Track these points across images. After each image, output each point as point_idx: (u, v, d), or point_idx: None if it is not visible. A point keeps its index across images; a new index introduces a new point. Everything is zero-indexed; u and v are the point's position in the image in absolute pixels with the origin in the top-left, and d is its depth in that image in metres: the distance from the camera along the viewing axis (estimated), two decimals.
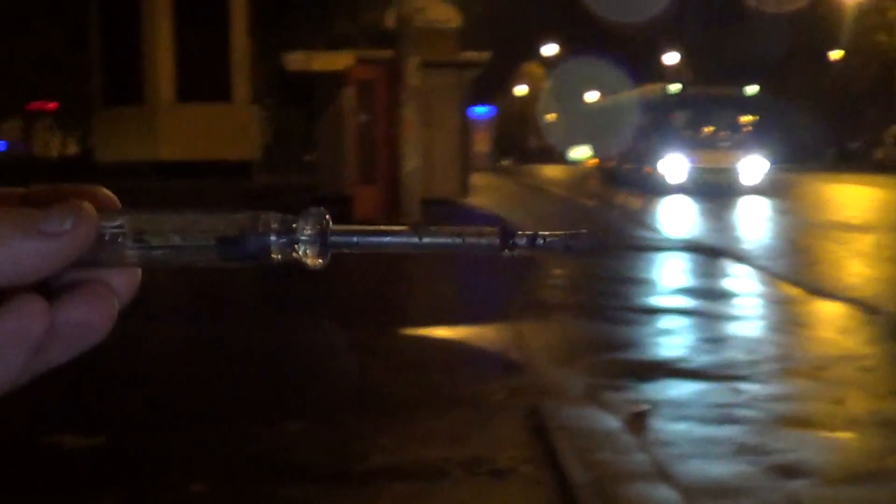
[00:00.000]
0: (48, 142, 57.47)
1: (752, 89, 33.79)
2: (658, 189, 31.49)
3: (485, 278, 11.06)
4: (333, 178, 22.63)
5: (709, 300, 10.70)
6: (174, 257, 0.59)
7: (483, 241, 0.59)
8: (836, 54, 67.10)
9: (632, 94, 41.78)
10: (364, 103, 19.36)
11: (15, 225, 0.55)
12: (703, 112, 33.68)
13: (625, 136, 39.21)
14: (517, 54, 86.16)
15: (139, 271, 0.61)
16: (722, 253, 14.53)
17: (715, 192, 30.27)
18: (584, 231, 0.60)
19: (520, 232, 0.59)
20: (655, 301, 10.68)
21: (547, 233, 0.60)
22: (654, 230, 19.01)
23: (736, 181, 31.91)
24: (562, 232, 0.60)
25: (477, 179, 24.64)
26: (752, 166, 32.42)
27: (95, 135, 35.12)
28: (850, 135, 67.88)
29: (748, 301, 10.96)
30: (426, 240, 0.59)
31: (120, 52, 31.71)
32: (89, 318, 0.58)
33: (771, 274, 12.55)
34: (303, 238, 0.59)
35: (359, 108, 19.51)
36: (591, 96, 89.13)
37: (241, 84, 32.46)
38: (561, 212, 25.07)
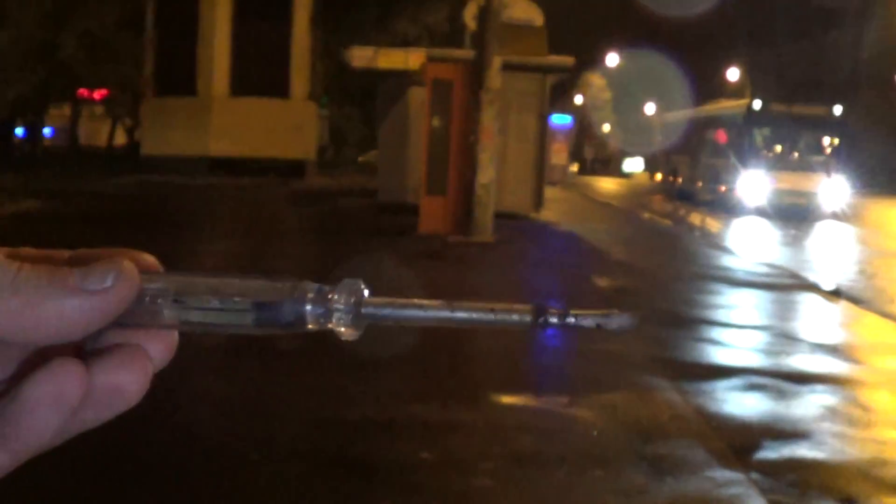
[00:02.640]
0: (96, 130, 56.42)
1: (838, 110, 31.67)
2: (735, 210, 29.78)
3: None
4: (395, 186, 21.07)
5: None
6: (211, 320, 0.60)
7: (515, 317, 0.59)
8: None
9: (705, 109, 39.72)
10: (438, 105, 17.60)
11: (58, 282, 0.56)
12: (786, 131, 31.62)
13: (696, 151, 37.43)
14: (578, 62, 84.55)
15: (175, 336, 0.61)
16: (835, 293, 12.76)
17: (795, 216, 28.81)
18: (616, 311, 0.59)
19: (552, 309, 0.59)
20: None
21: (579, 311, 0.59)
22: (744, 259, 17.12)
23: (818, 206, 30.21)
24: (594, 311, 0.60)
25: (547, 192, 22.84)
26: (835, 191, 30.66)
27: (143, 125, 33.86)
28: None
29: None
30: (459, 314, 0.60)
31: (175, 40, 30.51)
32: (125, 383, 0.58)
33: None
34: (338, 308, 0.59)
35: (431, 110, 17.75)
36: (650, 109, 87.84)
37: (300, 80, 31.26)
38: (638, 232, 23.26)
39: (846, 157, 32.46)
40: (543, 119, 21.24)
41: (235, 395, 6.66)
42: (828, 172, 30.98)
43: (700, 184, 36.06)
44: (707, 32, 75.63)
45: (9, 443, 0.56)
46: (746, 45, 71.99)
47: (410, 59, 20.74)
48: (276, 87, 30.72)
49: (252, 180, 27.62)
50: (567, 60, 21.31)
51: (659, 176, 47.46)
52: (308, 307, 0.59)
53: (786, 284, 13.80)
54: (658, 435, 6.05)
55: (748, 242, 21.90)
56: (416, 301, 0.60)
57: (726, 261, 16.66)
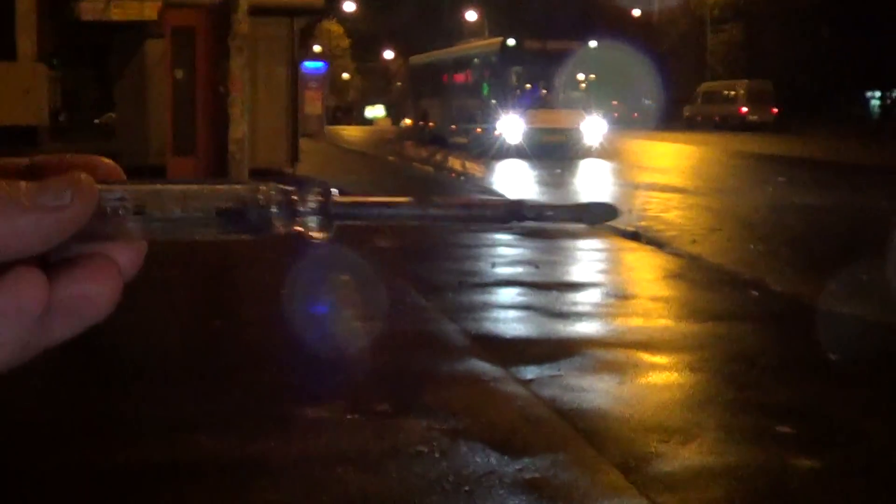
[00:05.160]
0: None
1: (593, 44, 31.08)
2: (492, 152, 28.90)
3: None
4: (137, 148, 19.03)
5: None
6: (174, 229, 0.58)
7: (489, 212, 0.58)
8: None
9: (456, 50, 38.61)
10: (180, 56, 15.90)
11: (10, 199, 0.53)
12: (541, 68, 30.79)
13: (448, 94, 36.45)
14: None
15: (144, 245, 0.60)
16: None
17: (555, 154, 28.47)
18: (594, 202, 0.59)
19: (529, 203, 0.58)
20: None
21: (557, 205, 0.58)
22: (497, 195, 16.10)
23: (577, 143, 29.77)
24: (572, 204, 0.59)
25: (302, 144, 21.37)
26: (593, 127, 30.25)
27: None
28: (655, 92, 67.66)
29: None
30: (432, 211, 0.58)
31: None
32: (93, 293, 0.56)
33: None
34: (305, 210, 0.58)
35: (173, 62, 16.02)
36: (389, 54, 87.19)
37: (26, 40, 28.79)
38: (402, 181, 22.00)
39: (603, 92, 32.07)
40: (295, 66, 19.68)
41: None
42: (585, 109, 30.49)
43: (454, 127, 35.14)
44: None
45: None
46: None
47: (146, 8, 18.80)
48: (0, 48, 28.24)
49: None
50: (317, 1, 19.79)
51: (408, 121, 46.26)
52: (273, 210, 0.57)
53: (579, 230, 12.79)
54: (518, 449, 4.74)
55: (517, 185, 20.98)
56: (386, 199, 0.58)
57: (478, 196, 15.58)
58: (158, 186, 0.58)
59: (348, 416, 5.16)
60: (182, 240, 0.58)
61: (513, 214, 0.57)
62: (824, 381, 6.21)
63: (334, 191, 0.58)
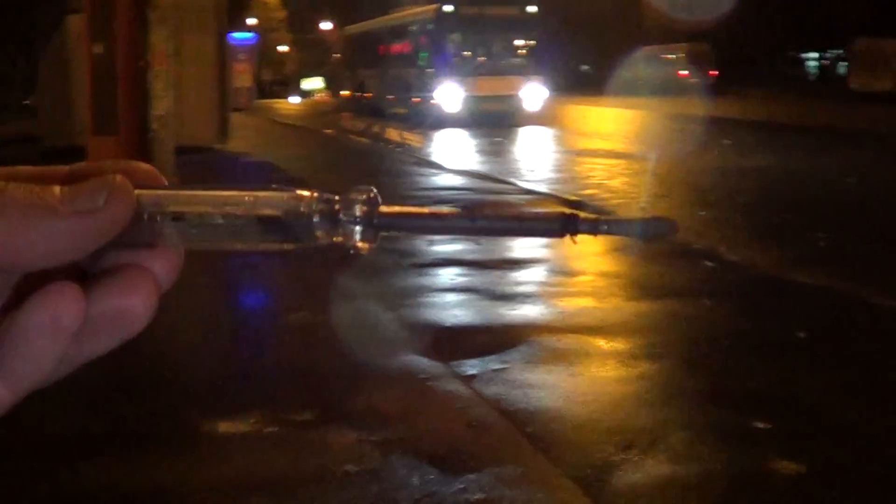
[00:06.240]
0: None
1: (532, 9, 30.35)
2: (431, 122, 28.25)
3: None
4: (60, 127, 18.22)
5: None
6: (213, 237, 0.56)
7: (541, 225, 0.56)
8: None
9: (391, 18, 37.70)
10: (99, 29, 15.08)
11: (44, 204, 0.51)
12: (479, 35, 30.07)
13: (384, 64, 35.69)
14: None
15: (181, 254, 0.57)
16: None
17: (495, 122, 27.90)
18: (652, 216, 0.55)
19: (582, 216, 0.55)
20: None
21: (612, 218, 0.55)
22: (465, 176, 15.56)
23: (517, 110, 29.23)
24: (628, 218, 0.56)
25: (233, 119, 20.58)
26: (533, 93, 29.68)
27: None
28: (593, 57, 67.59)
29: None
30: (481, 223, 0.56)
31: None
32: (129, 307, 0.54)
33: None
34: (348, 219, 0.56)
35: (91, 35, 15.21)
36: (326, 25, 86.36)
37: None
38: (339, 155, 21.28)
39: (543, 58, 31.45)
40: (223, 37, 18.88)
41: None
42: (525, 75, 29.89)
43: (392, 97, 34.41)
44: None
45: (7, 375, 0.53)
46: None
47: None
48: None
49: None
50: None
51: (346, 92, 45.41)
52: (316, 219, 0.55)
53: (527, 202, 12.25)
54: (460, 464, 4.12)
55: (459, 156, 20.33)
56: (433, 210, 0.56)
57: (446, 179, 15.01)
58: (198, 192, 0.56)
59: (266, 430, 4.49)
60: (220, 249, 0.56)
61: (566, 228, 0.55)
62: (795, 363, 5.66)
63: (380, 200, 0.55)
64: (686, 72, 57.95)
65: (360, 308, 6.79)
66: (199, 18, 17.95)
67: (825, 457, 4.28)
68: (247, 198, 0.55)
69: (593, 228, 0.54)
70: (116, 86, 15.15)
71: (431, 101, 29.64)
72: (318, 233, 0.55)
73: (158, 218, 0.55)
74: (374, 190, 0.56)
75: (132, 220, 0.53)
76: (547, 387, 5.17)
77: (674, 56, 59.60)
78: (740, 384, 5.26)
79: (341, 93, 47.98)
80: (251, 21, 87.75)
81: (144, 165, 0.57)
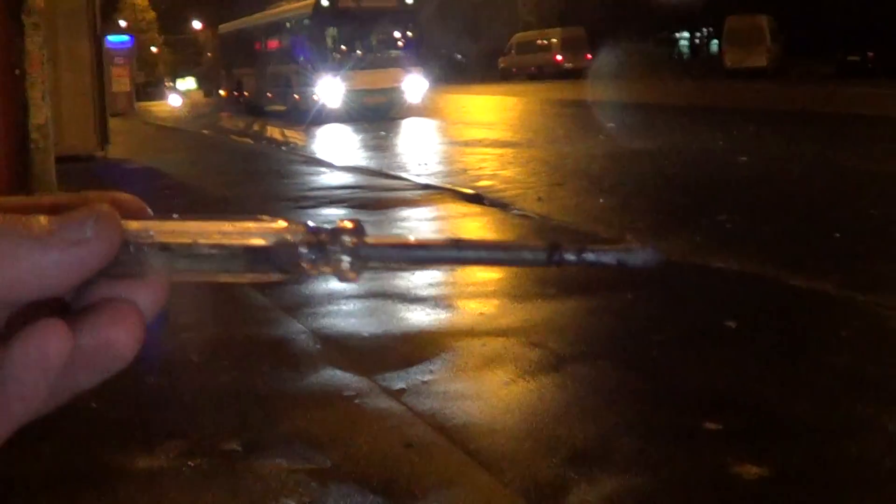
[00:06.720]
0: None
1: (409, 0, 30.08)
2: (312, 118, 27.85)
3: None
4: None
5: None
6: (200, 266, 0.56)
7: (527, 255, 0.56)
8: None
9: (265, 14, 37.02)
10: None
11: (29, 234, 0.51)
12: (357, 28, 29.72)
13: (261, 61, 35.13)
14: None
15: (167, 286, 0.58)
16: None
17: (376, 115, 27.83)
18: (637, 244, 0.55)
19: (566, 245, 0.55)
20: None
21: (598, 246, 0.55)
22: (355, 173, 15.26)
23: (398, 102, 29.06)
24: (612, 247, 0.55)
25: (113, 125, 19.96)
26: (413, 85, 29.51)
27: None
28: (466, 46, 67.72)
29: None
30: (468, 253, 0.56)
31: None
32: (115, 340, 0.54)
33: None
34: (335, 250, 0.56)
35: None
36: (197, 24, 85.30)
37: None
38: (223, 157, 20.76)
39: (421, 50, 31.24)
40: (99, 41, 18.26)
41: None
42: (404, 67, 29.66)
43: (270, 94, 33.91)
44: None
45: None
46: None
47: None
48: None
49: None
50: None
51: (223, 92, 44.69)
52: (303, 250, 0.56)
53: (423, 197, 11.97)
54: (402, 489, 3.85)
55: (345, 152, 19.98)
56: (420, 240, 0.56)
57: (337, 178, 14.66)
58: (185, 222, 0.56)
59: (188, 464, 4.16)
60: (207, 280, 0.56)
61: (552, 257, 0.54)
62: (732, 356, 5.48)
63: (366, 231, 0.56)
64: (561, 57, 58.38)
65: (272, 321, 6.47)
66: (72, 22, 17.33)
67: (783, 457, 4.09)
68: (234, 228, 0.55)
69: (579, 257, 0.54)
70: None
71: (312, 97, 29.24)
72: (306, 263, 0.55)
73: (145, 248, 0.55)
74: (360, 221, 0.55)
75: (119, 250, 0.53)
76: (481, 397, 4.90)
77: (549, 42, 59.95)
78: (681, 382, 5.06)
79: (220, 91, 47.31)
80: (122, 23, 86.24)
81: (129, 196, 0.57)
